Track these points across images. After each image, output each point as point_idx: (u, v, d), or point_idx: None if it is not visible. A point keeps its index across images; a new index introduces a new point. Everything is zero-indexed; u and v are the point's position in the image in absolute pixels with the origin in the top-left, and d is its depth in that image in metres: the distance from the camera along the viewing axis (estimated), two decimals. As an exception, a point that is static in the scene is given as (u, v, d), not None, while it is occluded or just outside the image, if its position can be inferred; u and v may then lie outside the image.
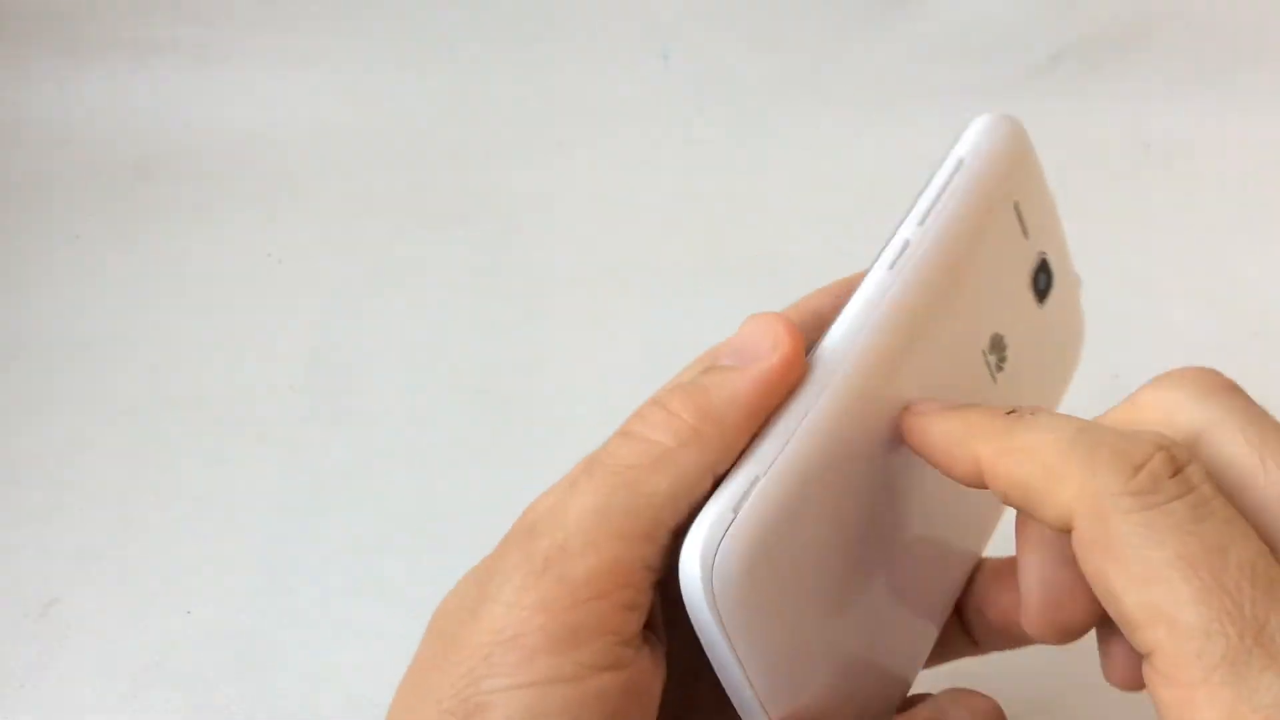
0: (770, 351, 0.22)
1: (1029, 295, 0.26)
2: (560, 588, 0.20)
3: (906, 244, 0.23)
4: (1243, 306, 0.48)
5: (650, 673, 0.21)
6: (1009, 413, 0.21)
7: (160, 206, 0.57)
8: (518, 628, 0.20)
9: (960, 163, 0.24)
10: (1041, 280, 0.26)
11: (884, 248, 0.23)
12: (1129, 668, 0.21)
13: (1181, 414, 0.20)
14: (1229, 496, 0.19)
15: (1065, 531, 0.19)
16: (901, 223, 0.24)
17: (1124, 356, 0.38)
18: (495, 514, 0.42)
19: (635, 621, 0.20)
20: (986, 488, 0.21)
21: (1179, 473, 0.18)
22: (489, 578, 0.21)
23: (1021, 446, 0.20)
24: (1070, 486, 0.19)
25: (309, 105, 0.61)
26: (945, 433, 0.21)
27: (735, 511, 0.20)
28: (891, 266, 0.23)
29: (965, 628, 0.26)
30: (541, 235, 0.55)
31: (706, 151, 0.59)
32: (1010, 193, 0.25)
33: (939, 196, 0.24)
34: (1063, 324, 0.28)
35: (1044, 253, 0.26)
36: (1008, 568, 0.26)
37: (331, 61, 0.62)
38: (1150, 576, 0.18)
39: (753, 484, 0.20)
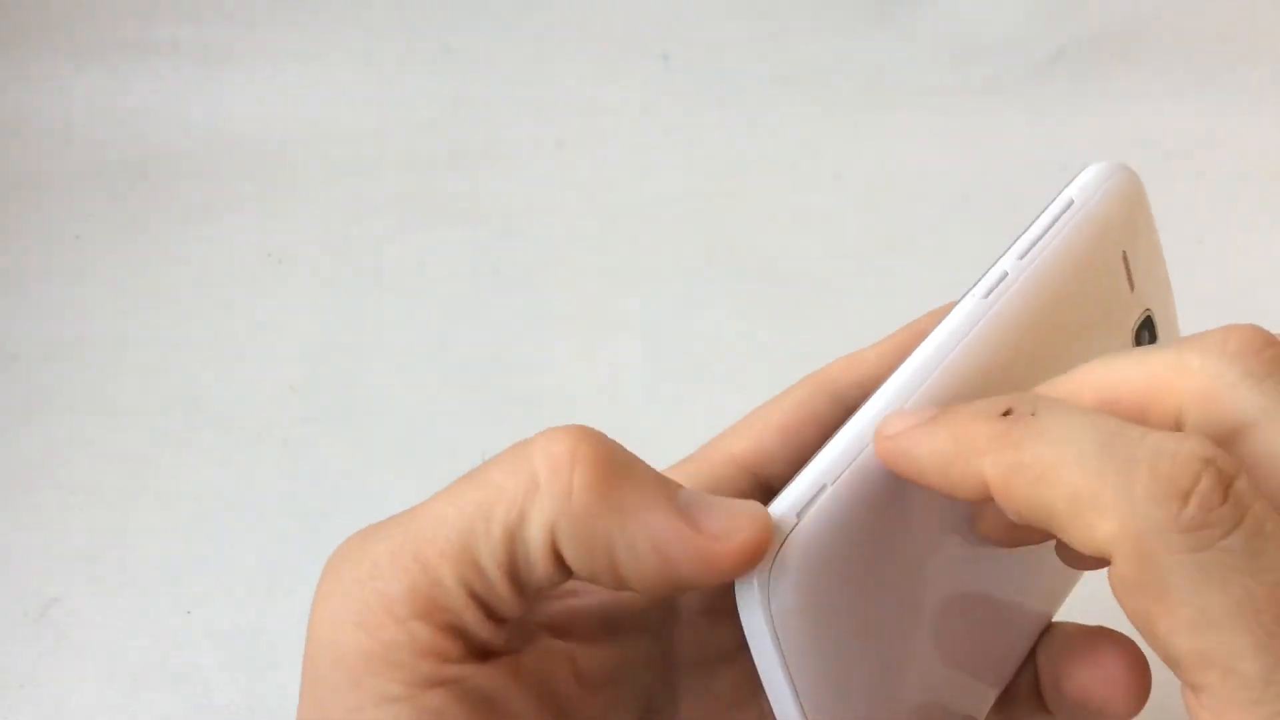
0: (733, 534, 0.19)
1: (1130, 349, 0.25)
2: (379, 603, 0.19)
3: (1005, 275, 0.22)
4: (1243, 306, 0.48)
5: (500, 681, 0.20)
6: (1004, 413, 0.18)
7: (160, 206, 0.57)
8: (340, 649, 0.19)
9: (1070, 203, 0.23)
10: (1144, 337, 0.26)
11: (981, 278, 0.22)
12: (1001, 529, 0.20)
13: (1228, 396, 0.18)
14: (1273, 497, 0.17)
15: (1098, 560, 0.17)
16: (1002, 255, 0.23)
17: (1124, 356, 0.38)
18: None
19: (459, 644, 0.19)
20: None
21: (1228, 492, 0.16)
22: (337, 570, 0.20)
23: (1035, 464, 0.17)
24: (1107, 519, 0.16)
25: (309, 105, 0.61)
26: (935, 453, 0.19)
27: (799, 517, 0.19)
28: (986, 296, 0.22)
29: (1041, 698, 0.24)
30: (541, 235, 0.55)
31: (706, 151, 0.59)
32: (1119, 242, 0.24)
33: (1044, 234, 0.23)
34: None
35: (1150, 310, 0.26)
36: (1085, 638, 0.24)
37: (331, 61, 0.62)
38: (1205, 623, 0.16)
39: (820, 491, 0.20)
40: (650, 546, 0.19)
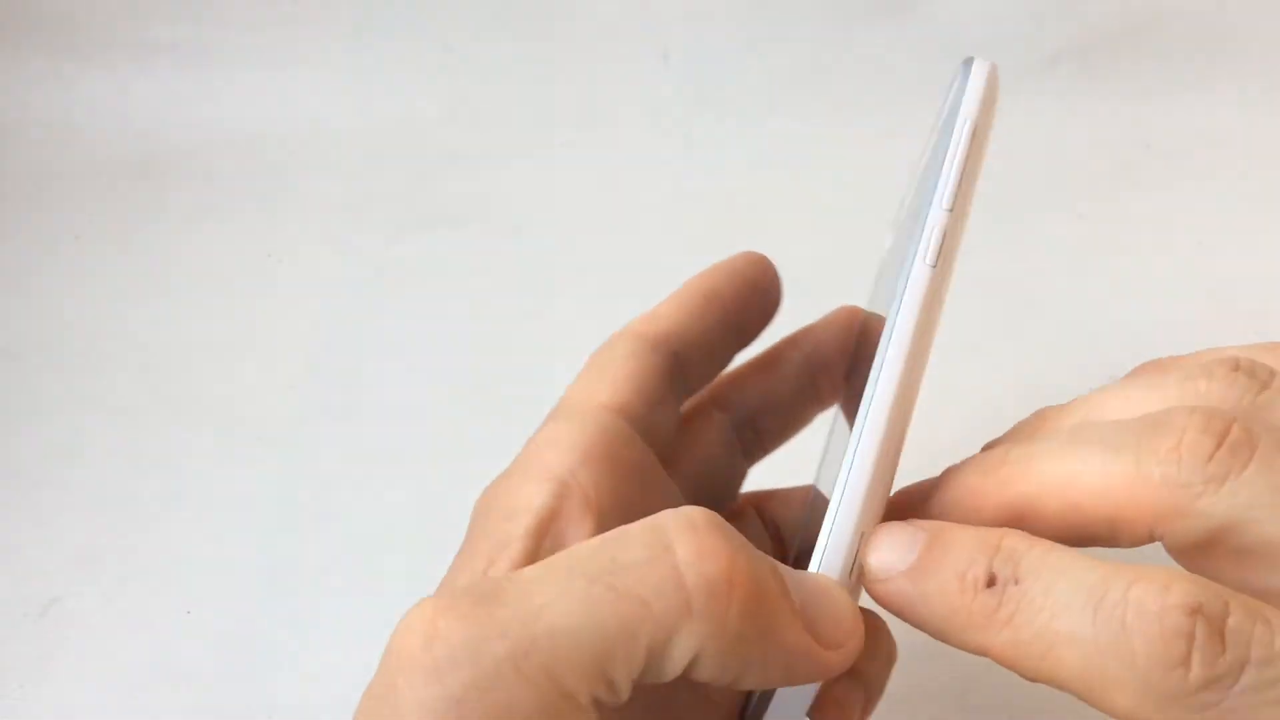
0: (845, 641, 0.20)
1: None
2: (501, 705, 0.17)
3: (943, 238, 0.22)
4: (1243, 306, 0.48)
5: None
6: (989, 582, 0.18)
7: (160, 206, 0.57)
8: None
9: (974, 130, 0.23)
10: None
11: (919, 243, 0.22)
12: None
13: (1197, 508, 0.18)
14: (1263, 585, 0.17)
15: None
16: (931, 203, 0.22)
17: (1124, 356, 0.38)
18: (495, 514, 0.42)
19: None
20: None
21: (1225, 637, 0.16)
22: (435, 666, 0.18)
23: (1035, 643, 0.18)
24: (1121, 695, 0.17)
25: (309, 105, 0.61)
26: (932, 617, 0.19)
27: (853, 575, 0.20)
28: (934, 265, 0.22)
29: None
30: (541, 235, 0.54)
31: (706, 151, 0.59)
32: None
33: (960, 175, 0.22)
34: None
35: None
36: None
37: (331, 61, 0.62)
38: None
39: (859, 539, 0.20)
40: (782, 665, 0.19)
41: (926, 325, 0.22)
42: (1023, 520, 0.20)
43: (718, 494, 0.29)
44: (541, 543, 0.22)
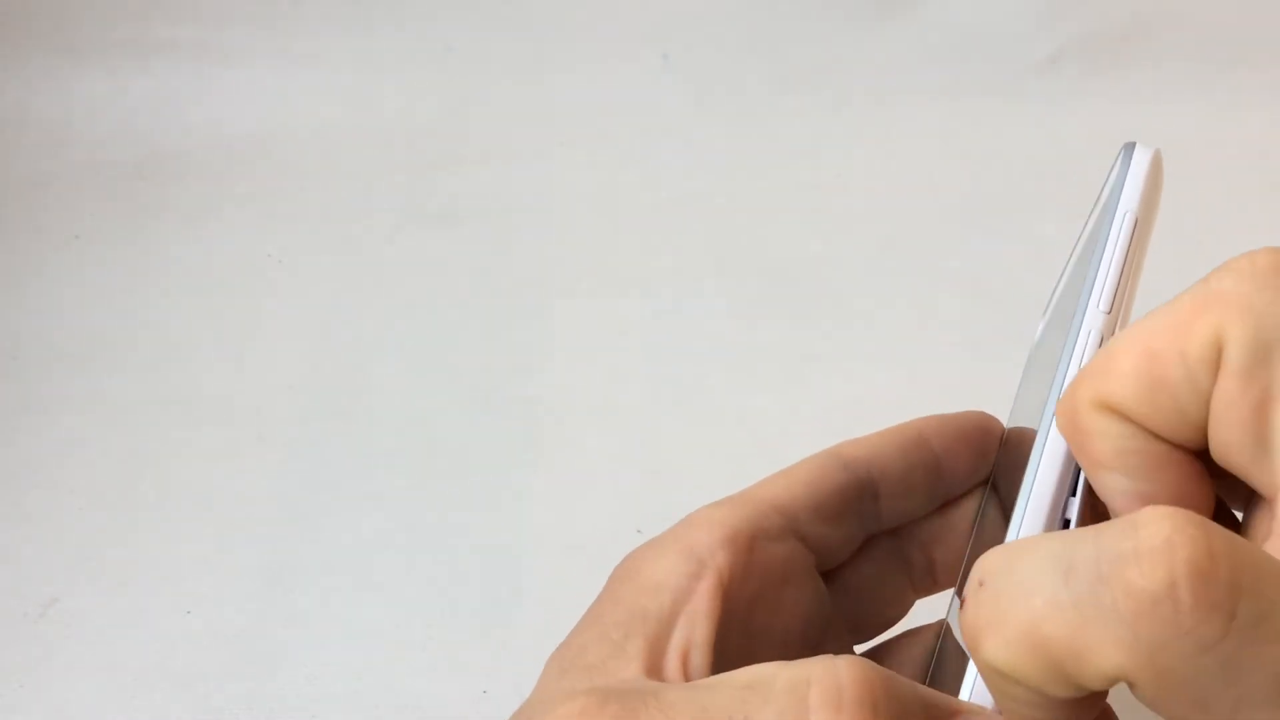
0: None
1: None
2: None
3: (1101, 341, 0.21)
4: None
5: None
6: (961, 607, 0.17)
7: (160, 206, 0.57)
8: None
9: (1135, 221, 0.22)
10: None
11: (1072, 347, 0.21)
12: None
13: (1268, 311, 0.18)
14: None
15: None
16: (1086, 306, 0.21)
17: (1124, 356, 0.38)
18: (495, 514, 0.42)
19: None
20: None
21: (1211, 569, 0.15)
22: None
23: (1020, 630, 0.16)
24: (1110, 654, 0.15)
25: (309, 105, 0.61)
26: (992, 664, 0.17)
27: None
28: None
29: None
30: (541, 235, 0.54)
31: (706, 151, 0.59)
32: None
33: (1122, 270, 0.21)
34: None
35: None
36: None
37: (331, 61, 0.62)
38: (1249, 706, 0.15)
39: None
40: None
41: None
42: (1107, 388, 0.19)
43: (879, 615, 0.28)
44: (673, 625, 0.22)
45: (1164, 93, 0.59)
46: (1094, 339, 0.21)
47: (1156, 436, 0.19)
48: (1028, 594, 0.16)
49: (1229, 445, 0.19)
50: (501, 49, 0.62)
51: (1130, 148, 0.22)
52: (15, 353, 0.49)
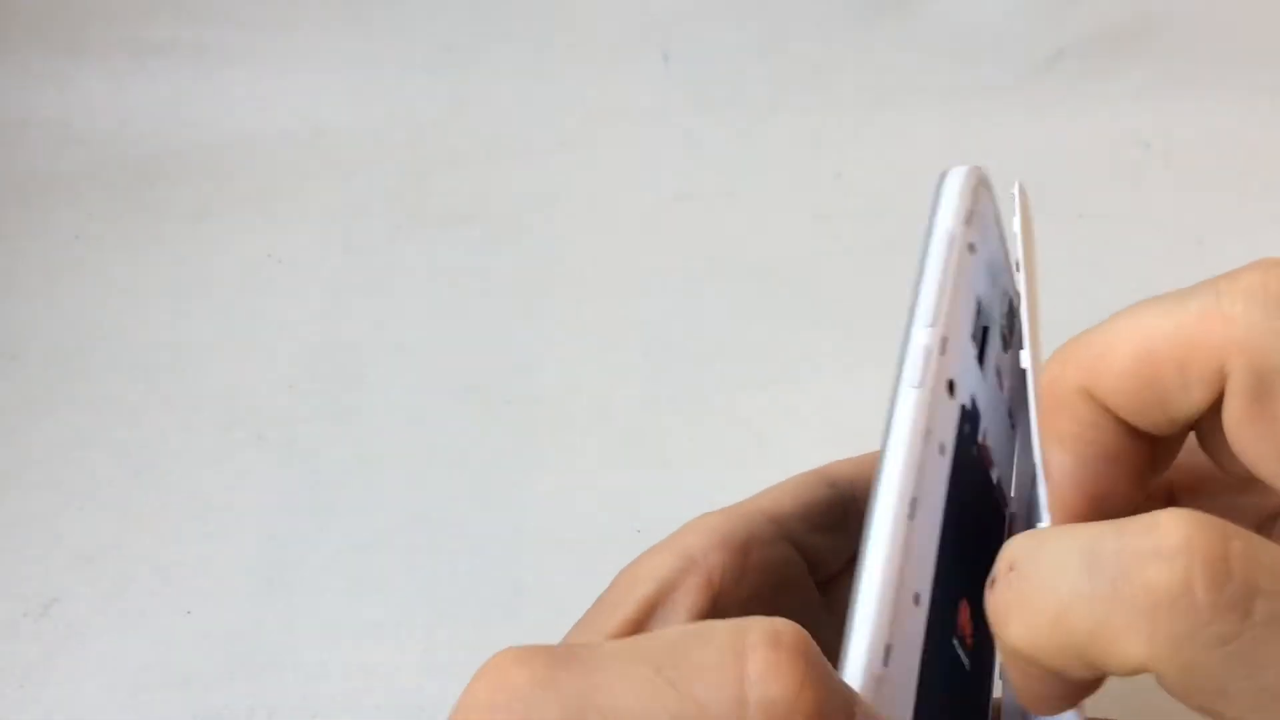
0: None
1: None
2: None
3: (929, 352, 0.21)
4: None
5: None
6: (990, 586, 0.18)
7: (160, 206, 0.57)
8: None
9: (952, 241, 0.22)
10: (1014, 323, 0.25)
11: (903, 362, 0.20)
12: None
13: (1274, 346, 0.18)
14: None
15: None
16: (911, 325, 0.21)
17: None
18: (495, 514, 0.42)
19: None
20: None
21: (1229, 566, 0.15)
22: None
23: (1046, 615, 0.17)
24: (1133, 644, 0.16)
25: (309, 105, 0.61)
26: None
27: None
28: (919, 386, 0.20)
29: None
30: (541, 235, 0.55)
31: (706, 151, 0.59)
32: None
33: (942, 291, 0.22)
34: None
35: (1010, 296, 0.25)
36: None
37: (331, 61, 0.62)
38: (1271, 699, 0.16)
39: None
40: None
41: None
42: (1096, 378, 0.20)
43: None
44: (653, 613, 0.22)
45: (1164, 93, 0.59)
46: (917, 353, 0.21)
47: (1126, 423, 0.20)
48: (1054, 582, 0.17)
49: (1259, 459, 0.19)
50: (501, 49, 0.62)
51: (944, 174, 0.23)
52: (15, 353, 0.49)
